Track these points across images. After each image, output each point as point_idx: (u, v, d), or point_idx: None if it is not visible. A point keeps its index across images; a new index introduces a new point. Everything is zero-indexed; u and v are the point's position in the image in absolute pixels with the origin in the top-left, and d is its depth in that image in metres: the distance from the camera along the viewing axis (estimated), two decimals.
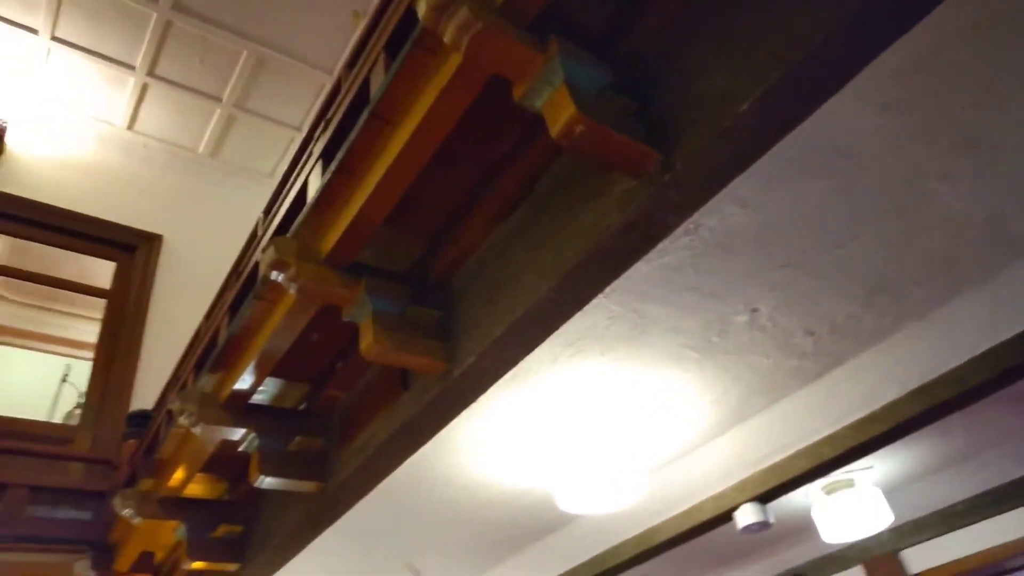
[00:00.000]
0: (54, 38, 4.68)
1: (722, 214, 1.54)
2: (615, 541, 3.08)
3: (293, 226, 1.74)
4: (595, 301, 1.69)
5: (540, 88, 1.24)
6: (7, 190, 4.65)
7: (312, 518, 2.37)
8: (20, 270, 4.83)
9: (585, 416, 2.17)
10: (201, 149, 5.53)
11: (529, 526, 2.88)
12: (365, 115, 1.53)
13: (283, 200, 2.15)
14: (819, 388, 2.17)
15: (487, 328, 1.70)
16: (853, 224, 1.65)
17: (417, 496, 2.51)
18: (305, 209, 1.73)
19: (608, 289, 1.67)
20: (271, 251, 1.63)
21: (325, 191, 1.65)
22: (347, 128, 1.68)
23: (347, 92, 1.84)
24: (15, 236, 4.80)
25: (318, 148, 1.91)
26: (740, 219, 1.57)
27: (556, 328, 1.71)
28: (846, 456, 2.32)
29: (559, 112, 1.20)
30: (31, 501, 3.38)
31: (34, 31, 4.63)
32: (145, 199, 5.20)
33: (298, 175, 2.05)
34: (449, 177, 1.78)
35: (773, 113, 1.22)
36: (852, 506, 3.09)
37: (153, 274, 4.85)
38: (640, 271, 1.68)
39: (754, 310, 1.83)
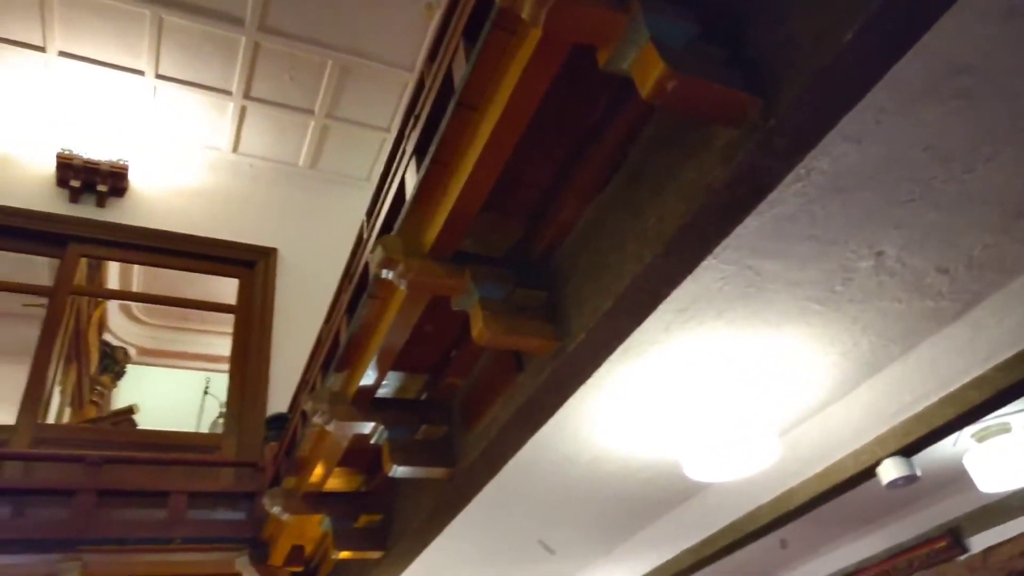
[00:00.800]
0: (158, 76, 5.01)
1: (834, 155, 1.45)
2: (750, 506, 3.00)
3: (396, 223, 1.78)
4: (704, 263, 1.64)
5: (625, 49, 1.20)
6: (135, 223, 5.03)
7: (444, 503, 2.44)
8: (156, 296, 5.23)
9: (706, 382, 2.12)
10: (301, 161, 5.78)
11: (658, 497, 2.85)
12: (452, 105, 1.54)
13: (383, 200, 2.21)
14: (960, 328, 2.01)
15: (595, 302, 1.68)
16: (983, 146, 1.50)
17: (542, 475, 2.54)
18: (405, 206, 1.77)
19: (718, 249, 1.61)
20: (379, 251, 1.68)
21: (422, 185, 1.68)
22: (436, 121, 1.70)
23: (431, 85, 1.87)
24: (147, 264, 5.20)
25: (410, 145, 1.95)
26: (854, 158, 1.47)
27: (666, 295, 1.67)
28: (996, 399, 2.15)
29: (648, 71, 1.16)
30: (190, 506, 3.67)
31: (140, 72, 4.97)
32: (257, 216, 5.49)
33: (394, 174, 2.10)
34: (540, 154, 1.77)
35: (877, 42, 1.13)
36: (1010, 452, 2.86)
37: (273, 286, 5.12)
38: (750, 226, 1.60)
39: (879, 253, 1.71)
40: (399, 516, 2.76)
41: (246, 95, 5.22)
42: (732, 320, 1.90)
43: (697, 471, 2.34)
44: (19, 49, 4.75)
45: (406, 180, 1.95)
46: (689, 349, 1.95)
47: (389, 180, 2.18)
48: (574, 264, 1.82)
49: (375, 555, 2.84)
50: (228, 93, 5.20)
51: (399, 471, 2.25)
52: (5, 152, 4.99)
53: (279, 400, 4.43)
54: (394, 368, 2.21)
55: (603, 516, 3.01)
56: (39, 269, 5.16)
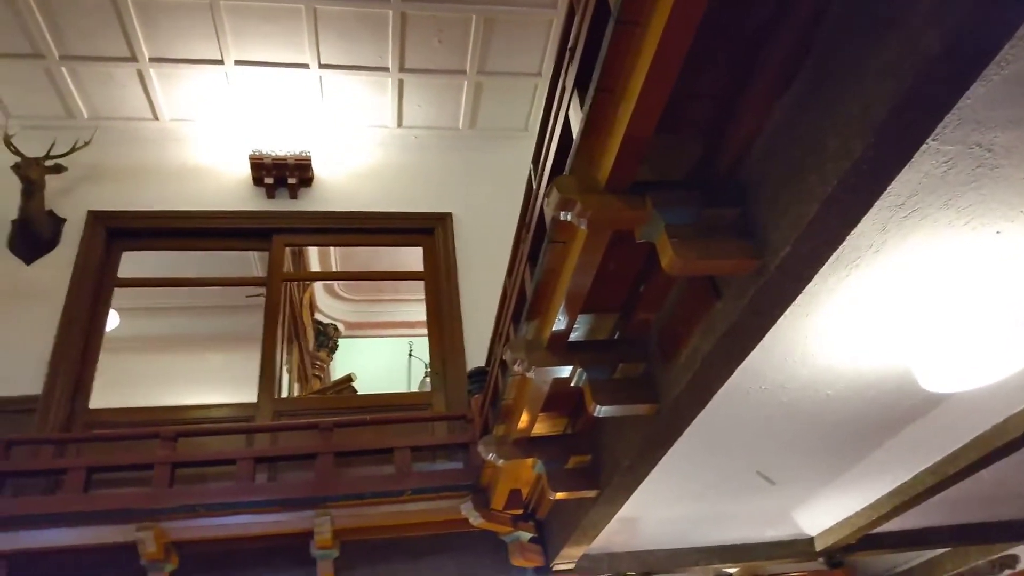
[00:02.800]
0: (321, 66, 5.31)
1: None
2: (998, 418, 2.67)
3: (566, 163, 1.73)
4: (922, 148, 1.43)
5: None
6: (324, 209, 5.43)
7: (653, 439, 2.41)
8: (352, 272, 5.63)
9: (936, 282, 1.87)
10: (460, 124, 5.89)
11: (888, 416, 2.61)
12: (611, 25, 1.44)
13: (548, 143, 2.16)
14: None
15: (797, 211, 1.52)
16: None
17: (755, 403, 2.42)
18: (573, 143, 1.70)
19: (938, 129, 1.40)
20: (554, 193, 1.64)
21: (589, 118, 1.61)
22: (594, 47, 1.61)
23: (584, 11, 1.77)
24: (339, 245, 5.62)
25: (570, 80, 1.87)
26: None
27: (880, 192, 1.47)
28: None
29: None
30: (414, 459, 3.96)
31: (305, 66, 5.29)
32: (428, 184, 5.70)
33: (556, 114, 2.04)
34: (712, 62, 1.62)
35: None
36: None
37: (453, 248, 5.32)
38: (977, 94, 1.37)
39: None
40: (608, 455, 2.78)
41: (401, 68, 5.38)
42: (961, 209, 1.65)
43: (934, 381, 2.10)
44: (203, 66, 5.24)
45: (570, 117, 1.88)
46: (913, 248, 1.73)
47: (552, 121, 2.12)
48: (765, 174, 1.66)
49: (590, 494, 2.89)
50: (385, 70, 5.38)
51: (602, 410, 2.24)
52: (205, 163, 5.57)
53: (475, 354, 4.63)
54: (584, 311, 2.18)
55: (826, 441, 2.83)
56: (251, 263, 5.76)
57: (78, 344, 4.65)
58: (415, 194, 5.61)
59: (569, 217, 1.67)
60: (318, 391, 6.10)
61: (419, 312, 5.40)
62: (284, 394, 5.09)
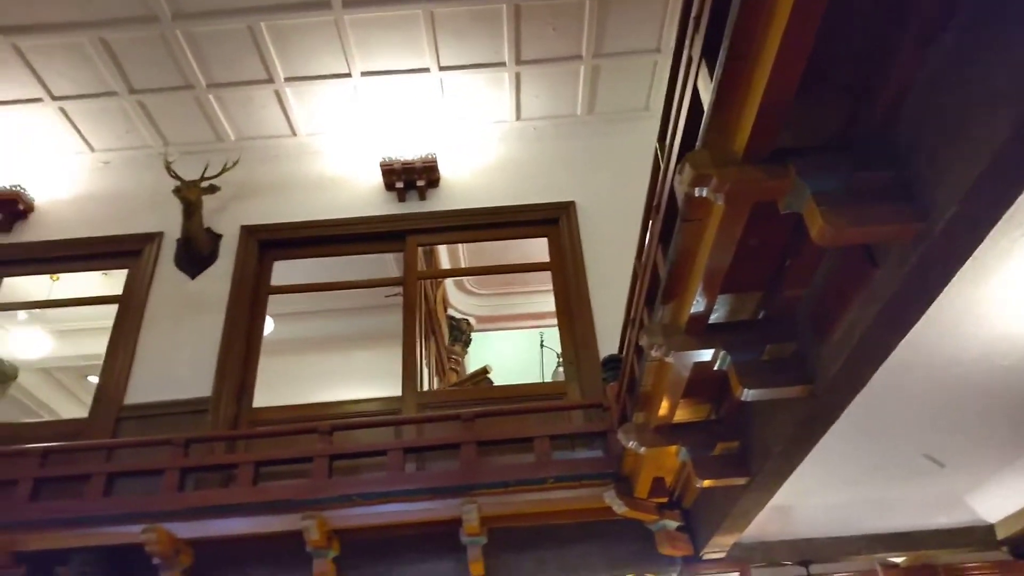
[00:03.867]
0: (441, 68, 5.44)
1: None
2: None
3: (698, 137, 1.66)
4: None
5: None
6: (452, 208, 5.58)
7: (807, 422, 2.28)
8: (481, 267, 5.74)
9: None
10: (579, 111, 5.84)
11: None
12: None
13: (676, 118, 2.08)
14: None
15: (963, 167, 1.38)
16: None
17: (920, 380, 2.23)
18: (704, 115, 1.63)
19: None
20: (687, 169, 1.58)
21: (721, 87, 1.54)
22: (721, 14, 1.54)
23: None
24: (468, 241, 5.74)
25: (696, 50, 1.80)
26: None
27: None
28: None
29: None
30: (553, 447, 3.99)
31: (426, 70, 5.44)
32: (550, 174, 5.71)
33: (683, 87, 1.97)
34: (854, 13, 1.50)
35: None
36: None
37: (578, 236, 5.30)
38: None
39: None
40: (758, 440, 2.66)
41: (517, 61, 5.41)
42: None
43: None
44: (332, 81, 5.52)
45: (699, 88, 1.81)
46: None
47: (678, 96, 2.04)
48: (921, 130, 1.52)
49: (739, 481, 2.79)
50: (502, 64, 5.44)
51: (750, 394, 2.14)
52: (339, 173, 5.87)
53: (607, 342, 4.59)
54: (724, 291, 2.09)
55: (1004, 418, 2.56)
56: (388, 264, 6.01)
57: (240, 349, 5.05)
58: (537, 185, 5.64)
59: (704, 193, 1.61)
60: (456, 383, 6.29)
61: (548, 303, 5.42)
62: (425, 387, 5.28)
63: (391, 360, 5.24)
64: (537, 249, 5.61)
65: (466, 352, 6.99)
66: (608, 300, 4.80)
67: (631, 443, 2.90)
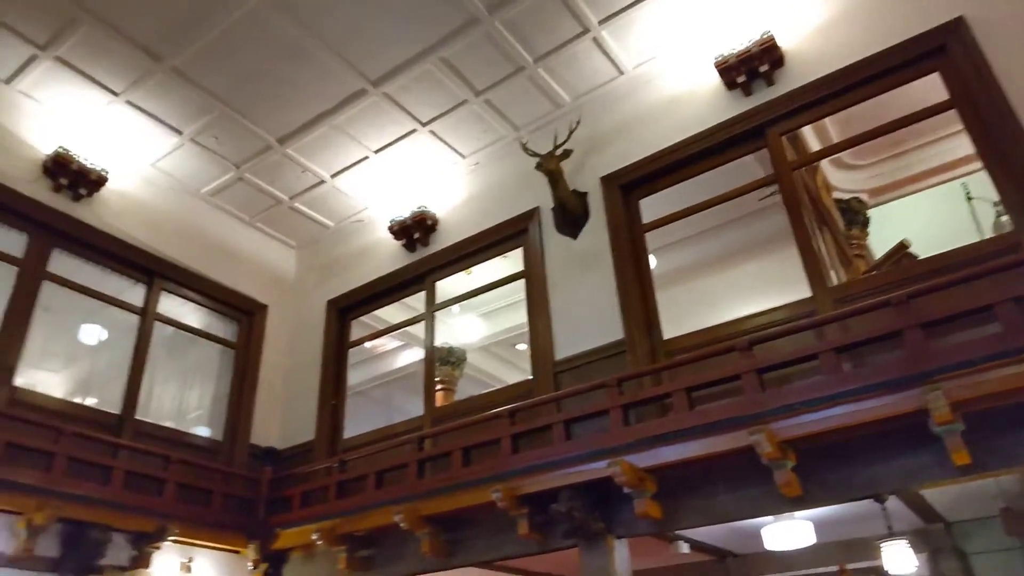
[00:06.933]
0: None
1: None
2: None
3: None
4: None
5: None
6: (804, 83, 4.98)
7: None
8: (865, 133, 5.01)
9: None
10: None
11: None
12: None
13: None
14: None
15: None
16: None
17: None
18: None
19: None
20: None
21: None
22: None
23: None
24: (835, 112, 5.04)
25: None
26: None
27: None
28: None
29: None
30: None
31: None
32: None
33: None
34: None
35: None
36: None
37: (981, 55, 4.31)
38: None
39: None
40: None
41: None
42: None
43: None
44: (642, 3, 5.35)
45: None
46: None
47: None
48: None
49: None
50: None
51: None
52: (676, 91, 5.69)
53: None
54: None
55: None
56: (749, 169, 5.64)
57: (636, 289, 5.27)
58: (899, 17, 4.73)
59: None
60: (871, 269, 5.67)
61: (959, 147, 4.53)
62: (834, 282, 4.85)
63: (783, 265, 4.94)
64: (921, 92, 4.70)
65: (866, 233, 6.24)
66: None
67: None
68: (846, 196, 6.46)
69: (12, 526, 4.71)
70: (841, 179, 6.74)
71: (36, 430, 5.05)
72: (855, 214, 6.19)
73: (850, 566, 6.35)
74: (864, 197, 6.56)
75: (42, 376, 6.31)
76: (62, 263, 6.03)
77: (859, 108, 4.97)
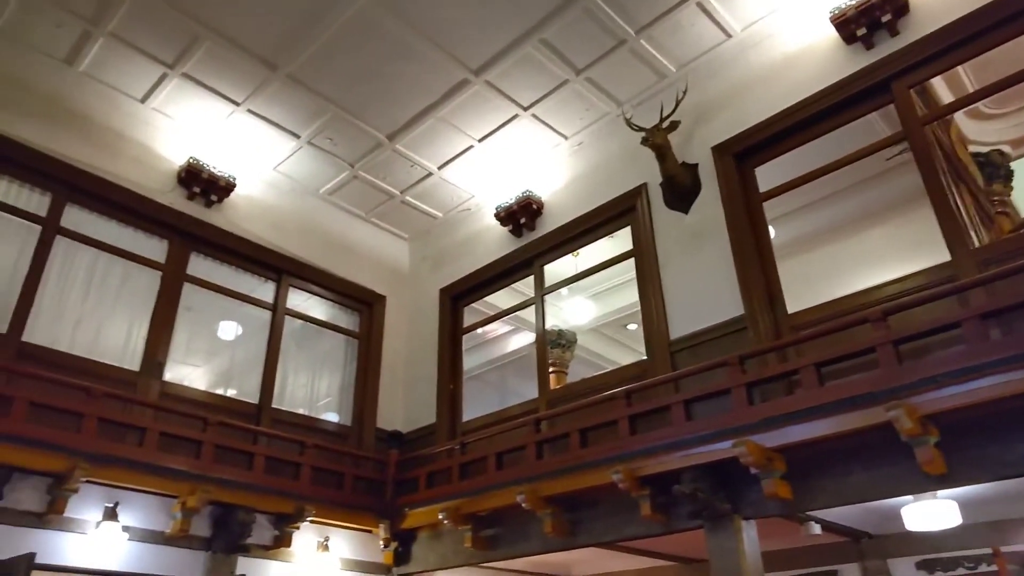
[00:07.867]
0: None
1: None
2: None
3: None
4: None
5: None
6: (935, 27, 4.59)
7: None
8: (1007, 78, 4.56)
9: None
10: None
11: None
12: None
13: None
14: None
15: None
16: None
17: None
18: None
19: None
20: None
21: None
22: None
23: None
24: (973, 57, 4.63)
25: None
26: None
27: None
28: None
29: None
30: None
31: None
32: None
33: None
34: None
35: None
36: None
37: None
38: None
39: None
40: None
41: None
42: None
43: None
44: None
45: None
46: None
47: None
48: None
49: None
50: None
51: None
52: (790, 50, 5.39)
53: None
54: None
55: None
56: (873, 127, 5.26)
57: (755, 261, 5.07)
58: None
59: None
60: (1018, 227, 5.18)
61: None
62: (976, 244, 4.47)
63: (915, 228, 4.59)
64: None
65: (1010, 188, 5.69)
66: None
67: None
68: (985, 149, 5.92)
69: (169, 508, 5.15)
70: (978, 131, 6.18)
71: (185, 420, 5.49)
72: (996, 168, 5.67)
73: (1004, 548, 5.86)
74: (1006, 148, 5.98)
75: (187, 371, 6.85)
76: (199, 266, 6.52)
77: (996, 51, 4.53)
